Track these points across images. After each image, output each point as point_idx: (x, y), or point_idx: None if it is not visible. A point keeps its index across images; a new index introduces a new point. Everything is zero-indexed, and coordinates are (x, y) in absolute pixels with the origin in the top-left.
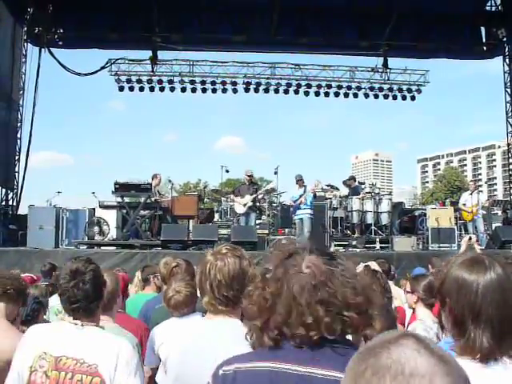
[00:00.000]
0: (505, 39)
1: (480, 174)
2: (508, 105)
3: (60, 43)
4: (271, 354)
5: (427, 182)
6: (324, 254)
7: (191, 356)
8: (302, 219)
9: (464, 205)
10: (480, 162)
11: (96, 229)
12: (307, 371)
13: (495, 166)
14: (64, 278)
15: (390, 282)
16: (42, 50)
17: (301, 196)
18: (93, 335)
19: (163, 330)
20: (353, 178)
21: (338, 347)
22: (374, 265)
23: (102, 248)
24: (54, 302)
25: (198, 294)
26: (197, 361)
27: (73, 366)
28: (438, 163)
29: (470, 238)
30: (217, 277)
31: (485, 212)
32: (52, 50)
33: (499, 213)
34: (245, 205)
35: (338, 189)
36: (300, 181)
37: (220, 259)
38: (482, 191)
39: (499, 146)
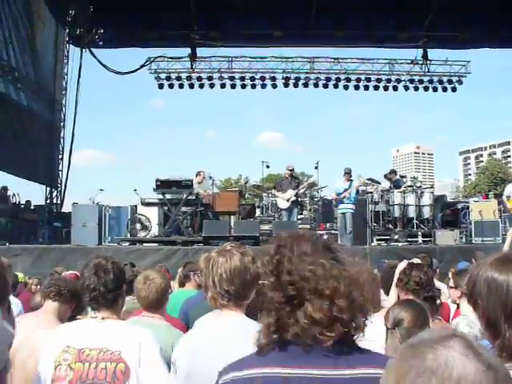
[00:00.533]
0: None
1: None
2: None
3: (100, 43)
4: (279, 357)
5: (469, 175)
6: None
7: (201, 355)
8: (344, 214)
9: (508, 197)
10: None
11: (138, 226)
12: (335, 374)
13: None
14: (88, 270)
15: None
16: (83, 50)
17: (345, 190)
18: (114, 326)
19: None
20: (394, 172)
21: (349, 345)
22: (416, 261)
23: (144, 245)
24: None
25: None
26: (207, 360)
27: (96, 356)
28: (481, 155)
29: None
30: (218, 271)
31: None
32: (93, 50)
33: None
34: (288, 200)
35: (379, 183)
36: (348, 174)
37: (223, 255)
38: None
39: None
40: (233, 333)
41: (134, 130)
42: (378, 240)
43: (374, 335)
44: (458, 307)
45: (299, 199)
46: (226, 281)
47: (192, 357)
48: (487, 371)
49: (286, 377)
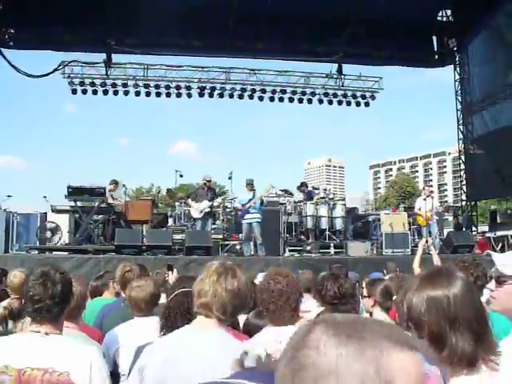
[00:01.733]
0: (455, 48)
1: (431, 181)
2: (459, 112)
3: (11, 43)
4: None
5: (379, 188)
6: None
7: (174, 363)
8: (250, 224)
9: (419, 210)
10: (431, 169)
11: (48, 233)
12: None
13: (446, 172)
14: (33, 279)
15: None
16: None
17: (250, 200)
18: (60, 343)
19: (119, 334)
20: (305, 184)
21: None
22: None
23: (54, 253)
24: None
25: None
26: (181, 368)
27: (41, 377)
28: (390, 169)
29: (427, 241)
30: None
31: (437, 217)
32: (2, 50)
33: (450, 218)
34: (202, 211)
35: (292, 194)
36: (250, 185)
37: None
38: (433, 197)
39: (449, 153)
40: (211, 344)
41: (45, 135)
42: (290, 251)
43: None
44: (370, 315)
45: (213, 209)
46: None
47: (163, 364)
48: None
49: None
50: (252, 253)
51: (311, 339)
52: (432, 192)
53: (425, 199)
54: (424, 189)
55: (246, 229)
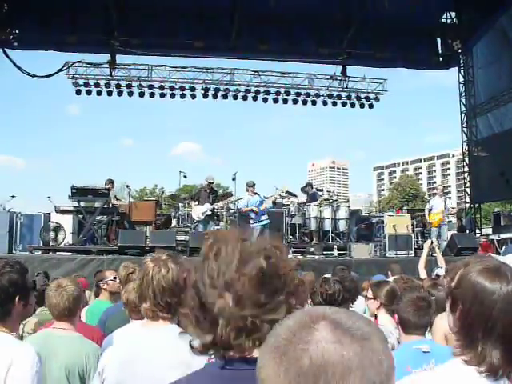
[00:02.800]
0: (460, 50)
1: (435, 183)
2: (463, 115)
3: (15, 44)
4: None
5: (383, 190)
6: None
7: (130, 364)
8: (265, 226)
9: (430, 210)
10: (435, 171)
11: (51, 234)
12: None
13: (449, 174)
14: None
15: None
16: None
17: (261, 202)
18: None
19: (115, 338)
20: (310, 185)
21: None
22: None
23: (58, 253)
24: None
25: None
26: (137, 369)
27: None
28: (394, 171)
29: (432, 242)
30: (160, 283)
31: (449, 219)
32: (7, 50)
33: (453, 220)
34: (203, 213)
35: (295, 195)
36: (252, 187)
37: (163, 266)
38: (450, 197)
39: (453, 155)
40: (167, 341)
41: (47, 136)
42: (293, 252)
43: None
44: (375, 318)
45: (215, 211)
46: (168, 292)
47: (121, 365)
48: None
49: None
50: None
51: (320, 336)
52: (445, 190)
53: (440, 197)
54: (437, 188)
55: (262, 232)
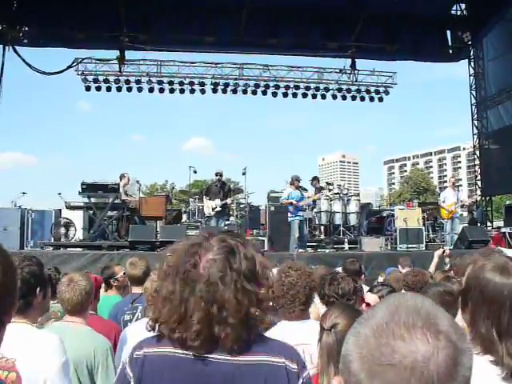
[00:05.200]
0: (470, 43)
1: (445, 176)
2: (473, 107)
3: (25, 41)
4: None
5: (393, 184)
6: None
7: None
8: (302, 220)
9: (443, 202)
10: (445, 164)
11: (62, 230)
12: (234, 360)
13: (460, 167)
14: None
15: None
16: (6, 47)
17: (302, 198)
18: (18, 330)
19: (135, 330)
20: (316, 179)
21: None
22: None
23: (69, 249)
24: None
25: None
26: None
27: None
28: (405, 165)
29: (444, 252)
30: None
31: (461, 212)
32: (17, 48)
33: (464, 214)
34: (213, 209)
35: (306, 190)
36: (297, 181)
37: None
38: (461, 189)
39: (464, 148)
40: None
41: (58, 132)
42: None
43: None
44: None
45: (226, 207)
46: None
47: None
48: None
49: (186, 358)
50: (266, 248)
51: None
52: (457, 183)
53: (453, 190)
54: (450, 180)
55: (297, 225)
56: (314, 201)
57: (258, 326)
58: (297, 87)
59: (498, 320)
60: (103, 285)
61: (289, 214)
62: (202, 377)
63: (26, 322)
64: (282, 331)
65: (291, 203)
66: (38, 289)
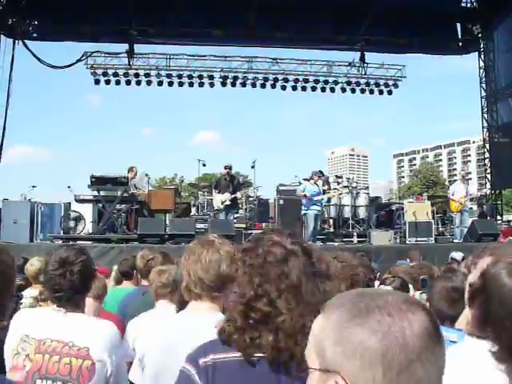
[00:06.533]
0: (480, 35)
1: (455, 169)
2: (483, 100)
3: (34, 35)
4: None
5: (403, 177)
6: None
7: (175, 351)
8: (316, 214)
9: (453, 195)
10: (455, 157)
11: (71, 223)
12: None
13: (470, 161)
14: (53, 265)
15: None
16: (16, 42)
17: (318, 193)
18: (79, 320)
19: (139, 322)
20: (321, 173)
21: None
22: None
23: (78, 242)
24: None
25: None
26: (181, 357)
27: (60, 349)
28: (414, 158)
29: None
30: (198, 261)
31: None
32: (26, 42)
33: (474, 207)
34: (223, 203)
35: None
36: (317, 176)
37: (203, 246)
38: (471, 183)
39: (474, 142)
40: (208, 328)
41: (68, 125)
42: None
43: None
44: None
45: (236, 201)
46: (202, 271)
47: (163, 350)
48: None
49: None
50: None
51: None
52: (467, 176)
53: (462, 183)
54: (460, 173)
55: (313, 218)
56: (329, 198)
57: None
58: (306, 80)
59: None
60: (114, 276)
61: (302, 207)
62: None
63: (82, 313)
64: None
65: (305, 195)
66: (92, 282)
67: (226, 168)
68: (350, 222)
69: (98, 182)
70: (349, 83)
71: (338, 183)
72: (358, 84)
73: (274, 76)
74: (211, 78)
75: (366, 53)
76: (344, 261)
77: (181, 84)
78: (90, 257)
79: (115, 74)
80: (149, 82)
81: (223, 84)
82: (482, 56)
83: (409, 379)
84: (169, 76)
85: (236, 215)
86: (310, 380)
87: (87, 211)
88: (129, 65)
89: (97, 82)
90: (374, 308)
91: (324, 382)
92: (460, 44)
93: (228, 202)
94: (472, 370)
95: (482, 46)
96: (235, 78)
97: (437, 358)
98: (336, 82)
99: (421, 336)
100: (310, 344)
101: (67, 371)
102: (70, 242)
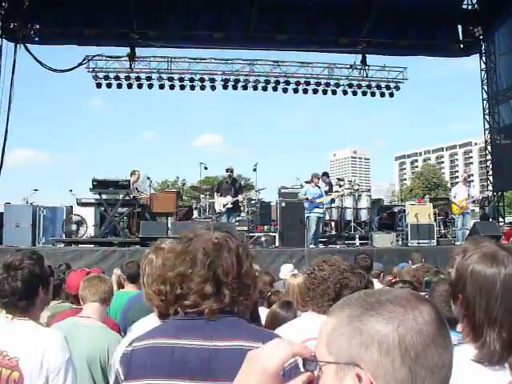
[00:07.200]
0: (481, 37)
1: (457, 171)
2: (485, 102)
3: (36, 39)
4: (173, 330)
5: (405, 180)
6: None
7: None
8: (319, 217)
9: (454, 197)
10: (457, 159)
11: (73, 226)
12: (211, 345)
13: (472, 163)
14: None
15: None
16: (18, 45)
17: (320, 195)
18: (21, 328)
19: (139, 326)
20: (326, 174)
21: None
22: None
23: (80, 246)
24: None
25: None
26: None
27: None
28: (416, 160)
29: None
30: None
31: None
32: (28, 46)
33: (476, 209)
34: (224, 205)
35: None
36: (317, 179)
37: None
38: (473, 185)
39: (475, 143)
40: None
41: (70, 129)
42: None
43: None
44: None
45: (237, 204)
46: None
47: None
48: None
49: (169, 346)
50: (277, 244)
51: None
52: (469, 178)
53: (464, 185)
54: (463, 175)
55: (314, 221)
56: (333, 199)
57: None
58: (307, 83)
59: (488, 309)
60: (115, 280)
61: (305, 211)
62: (181, 363)
63: (29, 320)
64: (300, 323)
65: (307, 199)
66: (40, 287)
67: (227, 171)
68: (352, 224)
69: (99, 185)
70: (350, 85)
71: (340, 186)
72: (359, 86)
73: (276, 79)
74: (213, 80)
75: (367, 55)
76: (333, 264)
77: (182, 87)
78: (40, 261)
79: (117, 78)
80: (150, 86)
81: (225, 87)
82: (484, 58)
83: (425, 363)
84: (170, 79)
85: (238, 218)
86: (322, 380)
87: (89, 215)
88: (130, 68)
89: (98, 85)
90: (385, 301)
91: (342, 379)
92: (461, 46)
93: (230, 205)
94: (470, 373)
95: (483, 47)
96: (237, 81)
97: (447, 345)
98: (337, 85)
99: (432, 324)
100: (321, 345)
101: None
102: (72, 246)
